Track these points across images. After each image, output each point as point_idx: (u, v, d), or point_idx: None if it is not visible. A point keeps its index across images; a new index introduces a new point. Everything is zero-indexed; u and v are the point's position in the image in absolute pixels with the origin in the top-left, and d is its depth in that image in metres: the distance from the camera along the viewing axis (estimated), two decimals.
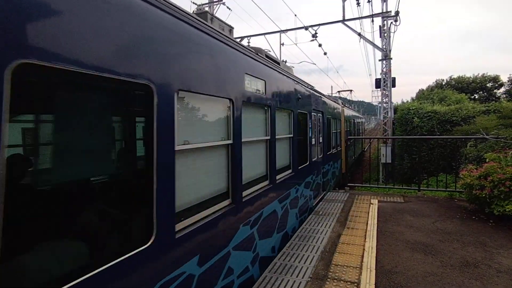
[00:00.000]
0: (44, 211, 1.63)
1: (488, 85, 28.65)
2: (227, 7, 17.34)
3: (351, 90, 30.01)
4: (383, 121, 17.74)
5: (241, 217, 3.44)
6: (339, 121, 11.44)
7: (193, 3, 16.88)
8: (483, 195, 5.72)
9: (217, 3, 17.14)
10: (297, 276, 3.85)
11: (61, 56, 1.44)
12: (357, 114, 22.36)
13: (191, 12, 3.25)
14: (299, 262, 4.24)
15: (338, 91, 28.04)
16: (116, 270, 1.77)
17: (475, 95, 28.63)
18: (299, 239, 5.10)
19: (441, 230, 5.46)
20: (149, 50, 2.06)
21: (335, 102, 11.06)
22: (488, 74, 28.92)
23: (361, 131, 25.41)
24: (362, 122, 27.36)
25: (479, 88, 28.91)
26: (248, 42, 18.30)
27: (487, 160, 6.47)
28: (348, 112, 14.41)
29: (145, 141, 2.12)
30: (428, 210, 6.71)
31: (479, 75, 29.43)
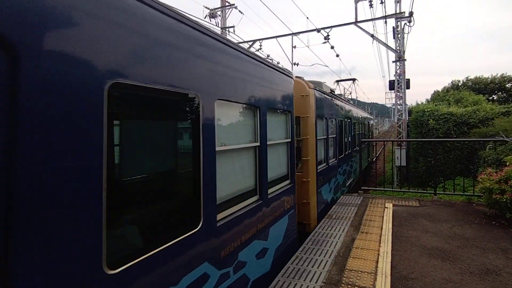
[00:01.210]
0: None
1: (507, 85, 27.72)
2: (239, 11, 17.48)
3: (354, 79, 19.57)
4: (397, 123, 17.43)
5: None
6: (289, 119, 5.11)
7: (206, 7, 17.11)
8: (504, 200, 5.52)
9: (229, 7, 17.30)
10: (310, 281, 3.81)
11: None
12: (360, 112, 15.26)
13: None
14: (312, 267, 4.20)
15: (337, 81, 18.56)
16: None
17: (493, 96, 27.75)
18: (312, 243, 5.05)
19: (459, 235, 5.30)
20: None
21: (279, 71, 4.73)
22: (507, 74, 28.01)
23: (368, 135, 17.95)
24: (369, 123, 19.42)
25: (498, 88, 28.01)
26: (260, 45, 18.35)
27: (507, 163, 6.26)
28: (332, 103, 8.24)
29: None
30: (445, 214, 6.53)
31: (498, 75, 28.52)
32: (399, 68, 16.65)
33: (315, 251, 4.73)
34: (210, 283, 2.74)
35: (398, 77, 16.74)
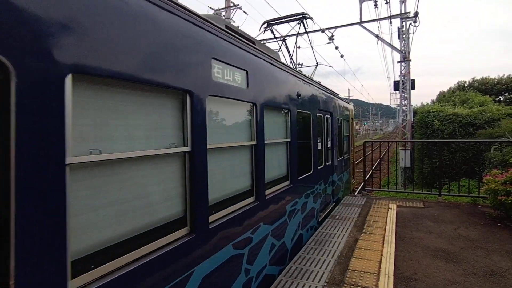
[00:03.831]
0: None
1: None
2: (244, 12, 17.53)
3: (303, 18, 8.92)
4: (402, 124, 17.34)
5: None
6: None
7: (210, 8, 17.18)
8: (509, 201, 5.48)
9: (233, 7, 17.36)
10: (312, 281, 3.81)
11: None
12: (310, 84, 5.86)
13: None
14: (315, 267, 4.20)
15: (266, 23, 8.53)
16: None
17: (500, 97, 27.45)
18: (315, 243, 5.05)
19: (464, 237, 5.26)
20: None
21: None
22: None
23: (330, 144, 7.46)
24: (338, 118, 8.39)
25: (505, 89, 27.66)
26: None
27: None
28: None
29: None
30: (450, 216, 6.49)
31: (505, 76, 28.21)
32: (404, 68, 16.57)
33: (318, 251, 4.73)
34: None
35: (403, 77, 16.67)
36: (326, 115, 7.28)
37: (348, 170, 9.93)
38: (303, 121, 5.32)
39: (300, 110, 5.08)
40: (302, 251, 4.73)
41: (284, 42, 8.39)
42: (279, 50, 8.27)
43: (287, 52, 9.51)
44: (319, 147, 6.52)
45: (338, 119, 8.37)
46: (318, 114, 6.36)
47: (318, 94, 6.44)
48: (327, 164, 7.14)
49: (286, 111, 4.69)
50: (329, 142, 7.43)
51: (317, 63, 10.53)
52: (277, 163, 4.48)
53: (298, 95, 5.04)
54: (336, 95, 8.53)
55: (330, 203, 7.54)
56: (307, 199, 5.31)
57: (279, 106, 4.37)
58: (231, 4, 17.41)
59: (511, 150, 8.38)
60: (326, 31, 17.12)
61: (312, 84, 6.14)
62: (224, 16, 17.40)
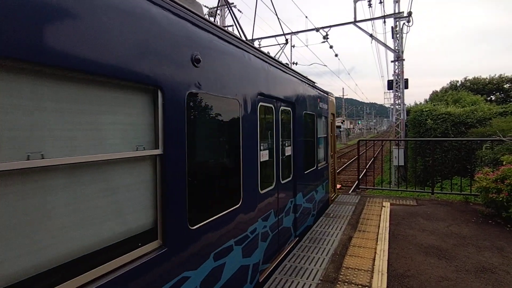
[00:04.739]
0: None
1: (505, 86, 27.82)
2: (238, 10, 17.48)
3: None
4: (396, 123, 17.48)
5: None
6: None
7: (205, 6, 17.11)
8: (500, 199, 5.56)
9: (227, 6, 17.30)
10: (307, 278, 3.83)
11: None
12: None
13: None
14: (309, 264, 4.22)
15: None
16: None
17: (491, 96, 27.87)
18: (309, 241, 5.07)
19: (456, 234, 5.34)
20: None
21: None
22: (505, 75, 28.13)
23: (291, 151, 5.01)
24: (308, 112, 5.90)
25: (496, 89, 28.11)
26: (259, 45, 18.36)
27: (504, 162, 6.30)
28: None
29: None
30: (442, 213, 6.57)
31: (496, 76, 28.64)
32: (398, 68, 16.69)
33: (312, 249, 4.75)
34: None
35: (396, 77, 16.79)
36: (283, 107, 4.70)
37: (325, 183, 7.25)
38: (218, 114, 2.97)
39: (203, 92, 2.64)
40: (297, 249, 4.75)
41: (228, 6, 5.91)
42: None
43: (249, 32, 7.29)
44: (265, 158, 4.05)
45: (308, 113, 5.92)
46: (261, 103, 3.91)
47: (261, 70, 3.87)
48: (283, 182, 4.69)
49: (151, 90, 2.15)
50: (288, 148, 4.96)
51: (286, 40, 8.31)
52: (111, 209, 1.89)
53: (197, 61, 2.52)
54: (310, 82, 6.19)
55: (289, 239, 4.98)
56: (222, 260, 2.86)
57: (124, 75, 1.85)
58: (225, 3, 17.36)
59: (502, 148, 8.50)
60: (321, 30, 17.17)
61: (246, 50, 3.50)
62: (219, 14, 17.34)
